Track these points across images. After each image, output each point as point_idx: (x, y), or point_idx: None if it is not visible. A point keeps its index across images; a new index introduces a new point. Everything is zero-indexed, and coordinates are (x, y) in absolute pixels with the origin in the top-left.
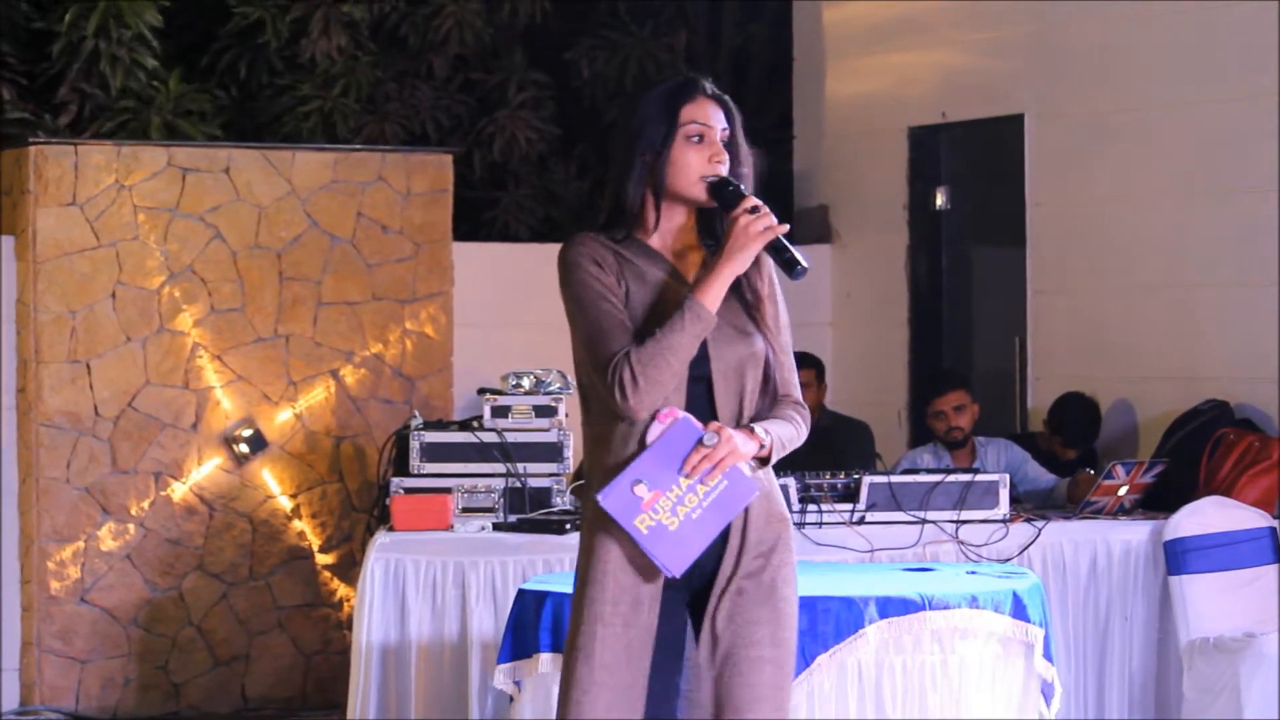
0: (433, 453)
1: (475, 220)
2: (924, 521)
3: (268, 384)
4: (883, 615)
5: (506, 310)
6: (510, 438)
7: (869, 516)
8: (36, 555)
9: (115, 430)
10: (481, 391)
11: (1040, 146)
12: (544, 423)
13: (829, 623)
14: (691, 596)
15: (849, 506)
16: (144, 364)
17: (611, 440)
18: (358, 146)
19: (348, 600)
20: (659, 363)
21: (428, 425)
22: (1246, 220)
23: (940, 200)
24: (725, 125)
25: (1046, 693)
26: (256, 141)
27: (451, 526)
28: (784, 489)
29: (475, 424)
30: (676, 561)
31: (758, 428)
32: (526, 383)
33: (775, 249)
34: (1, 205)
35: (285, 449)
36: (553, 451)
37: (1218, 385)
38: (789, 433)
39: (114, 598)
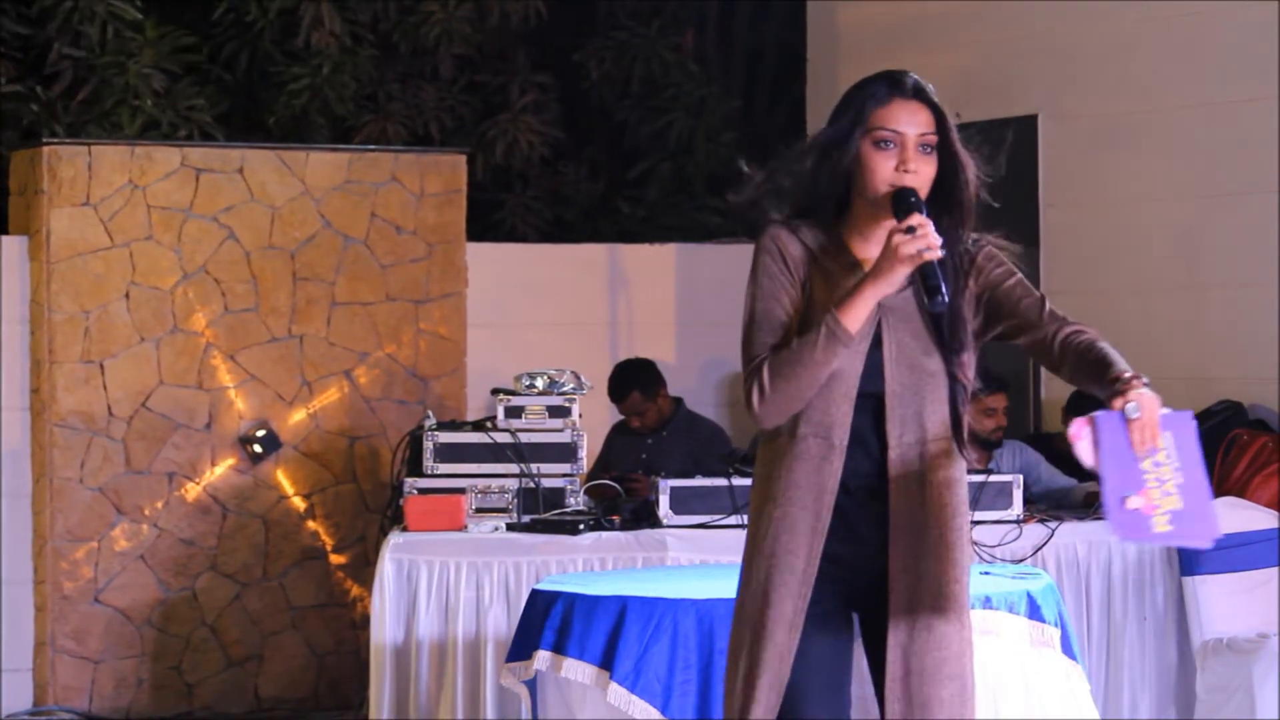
0: (446, 453)
1: (483, 222)
2: None
3: (281, 384)
4: None
5: (520, 311)
6: (524, 438)
7: None
8: (50, 555)
9: (129, 430)
10: (495, 392)
11: (1054, 147)
12: (557, 423)
13: None
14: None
15: None
16: (158, 364)
17: (775, 442)
18: (371, 147)
19: (361, 601)
20: (786, 374)
21: (441, 426)
22: (1261, 221)
23: None
24: (927, 129)
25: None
26: (265, 140)
27: (465, 527)
28: None
29: (489, 424)
30: (1206, 531)
31: (1119, 366)
32: (540, 383)
33: (921, 273)
34: (15, 206)
35: (299, 449)
36: (566, 452)
37: (1231, 386)
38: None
39: (127, 598)
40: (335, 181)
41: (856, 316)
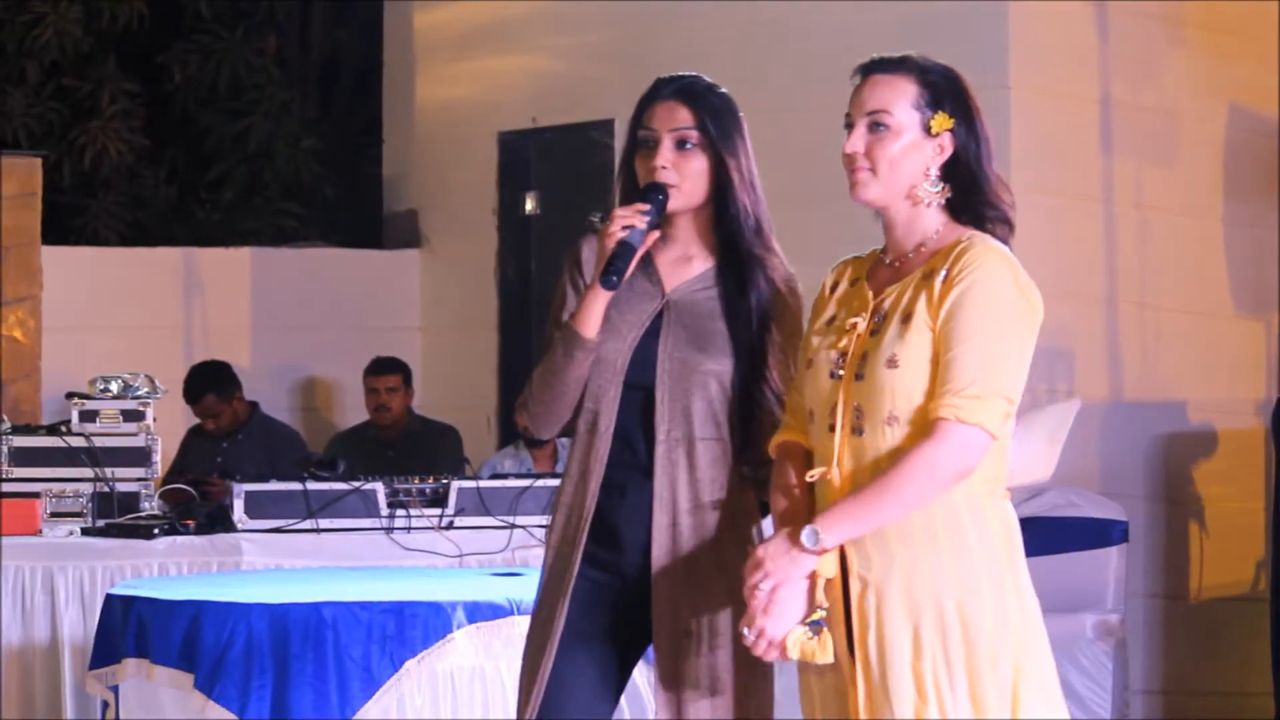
0: (21, 457)
1: (66, 226)
2: (513, 526)
3: None
4: (471, 620)
5: (96, 314)
6: (99, 442)
7: (457, 521)
8: None
9: None
10: (69, 396)
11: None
12: (132, 427)
13: (417, 627)
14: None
15: (437, 511)
16: None
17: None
18: None
19: None
20: (539, 384)
21: (16, 430)
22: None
23: (530, 205)
24: (685, 125)
25: None
26: None
27: (40, 531)
28: (371, 494)
29: (63, 428)
30: None
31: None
32: (115, 387)
33: (611, 255)
34: None
35: None
36: (141, 456)
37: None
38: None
39: None
40: None
41: (584, 318)
